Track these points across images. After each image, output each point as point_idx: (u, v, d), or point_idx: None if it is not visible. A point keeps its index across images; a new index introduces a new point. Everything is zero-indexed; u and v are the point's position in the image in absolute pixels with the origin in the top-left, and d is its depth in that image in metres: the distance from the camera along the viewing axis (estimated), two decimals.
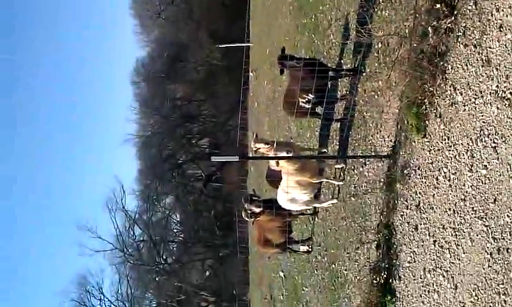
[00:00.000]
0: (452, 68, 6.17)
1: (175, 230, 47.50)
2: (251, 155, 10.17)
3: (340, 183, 9.69)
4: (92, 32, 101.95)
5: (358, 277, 8.53)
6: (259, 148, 9.35)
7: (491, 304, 5.12)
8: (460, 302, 5.61)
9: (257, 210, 9.94)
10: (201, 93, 43.99)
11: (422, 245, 6.51)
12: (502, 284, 4.99)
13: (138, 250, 43.06)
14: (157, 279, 42.50)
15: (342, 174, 9.79)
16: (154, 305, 44.23)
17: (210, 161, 38.98)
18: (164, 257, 44.40)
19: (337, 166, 9.96)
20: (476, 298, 5.36)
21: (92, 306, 41.03)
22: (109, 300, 41.56)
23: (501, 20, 5.38)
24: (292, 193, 9.41)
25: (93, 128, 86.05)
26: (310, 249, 11.48)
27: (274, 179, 10.06)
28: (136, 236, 43.29)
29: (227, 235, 38.70)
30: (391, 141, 7.78)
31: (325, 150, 10.95)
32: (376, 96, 8.56)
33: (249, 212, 10.03)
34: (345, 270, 9.22)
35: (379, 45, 8.62)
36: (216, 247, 41.90)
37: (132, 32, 52.34)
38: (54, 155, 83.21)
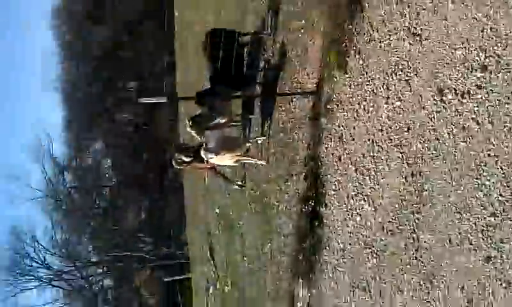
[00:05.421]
0: (368, 6, 6.54)
1: (106, 175, 47.05)
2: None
3: (263, 162, 10.25)
4: None
5: (288, 207, 9.06)
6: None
7: (406, 222, 5.68)
8: (380, 222, 6.17)
9: (187, 159, 10.24)
10: (126, 35, 42.78)
11: (346, 174, 7.02)
12: (416, 204, 5.54)
13: (70, 196, 42.59)
14: (91, 223, 42.36)
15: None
16: (91, 249, 44.15)
17: (138, 105, 38.50)
18: (97, 202, 44.15)
19: (259, 141, 10.48)
20: (394, 218, 5.92)
21: (27, 254, 40.53)
22: (43, 246, 41.18)
23: None
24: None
25: (14, 76, 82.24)
26: (243, 185, 11.96)
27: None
28: (67, 183, 42.73)
29: (161, 177, 38.82)
30: (315, 78, 8.15)
31: (252, 116, 11.37)
32: (300, 35, 8.87)
33: (179, 160, 10.34)
34: (277, 201, 9.72)
35: None
36: (150, 190, 41.97)
37: None
38: None
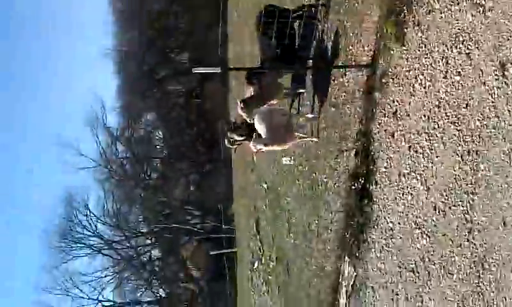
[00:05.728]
0: None
1: (157, 147, 47.77)
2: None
3: (315, 139, 9.99)
4: None
5: (337, 184, 8.89)
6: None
7: (460, 203, 5.44)
8: (432, 202, 5.94)
9: (239, 138, 10.14)
10: (179, 6, 42.85)
11: (398, 151, 6.79)
12: (471, 184, 5.30)
13: (122, 166, 43.51)
14: (142, 194, 43.18)
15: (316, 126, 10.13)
16: (140, 219, 45.10)
17: (190, 77, 38.74)
18: (148, 173, 44.94)
19: (309, 115, 10.27)
20: (447, 198, 5.68)
21: (79, 222, 41.74)
22: (95, 215, 42.28)
23: None
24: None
25: (69, 44, 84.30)
26: (293, 161, 11.86)
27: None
28: (119, 153, 43.63)
29: (210, 150, 39.12)
30: (370, 50, 7.89)
31: (303, 90, 11.12)
32: (357, 5, 8.60)
33: (231, 140, 10.25)
34: (325, 178, 9.56)
35: None
36: (199, 163, 42.41)
37: None
38: (30, 72, 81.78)
